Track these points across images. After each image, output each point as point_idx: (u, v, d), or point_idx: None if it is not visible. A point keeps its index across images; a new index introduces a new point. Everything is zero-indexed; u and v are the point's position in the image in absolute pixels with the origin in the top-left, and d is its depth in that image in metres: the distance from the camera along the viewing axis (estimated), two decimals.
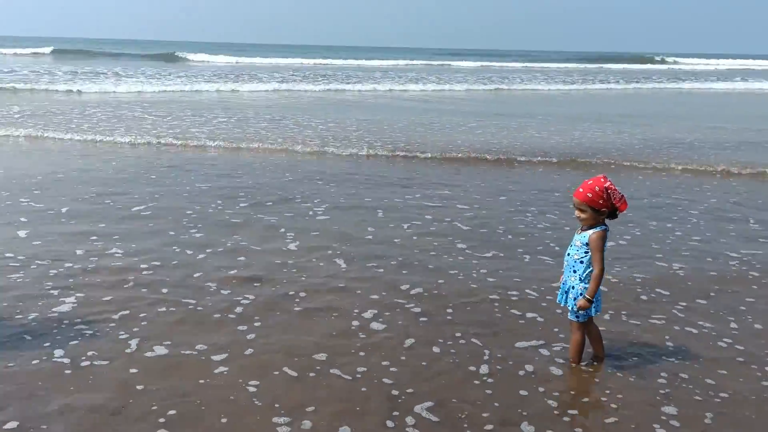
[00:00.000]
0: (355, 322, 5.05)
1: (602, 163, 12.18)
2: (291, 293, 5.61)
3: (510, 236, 7.52)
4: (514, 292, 5.73)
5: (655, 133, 16.57)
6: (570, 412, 3.95)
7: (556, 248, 7.05)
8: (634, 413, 3.95)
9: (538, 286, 5.86)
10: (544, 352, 4.67)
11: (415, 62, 59.49)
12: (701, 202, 9.39)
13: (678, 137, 15.83)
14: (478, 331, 4.97)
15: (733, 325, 5.23)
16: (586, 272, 4.20)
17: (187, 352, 4.51)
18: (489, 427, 3.74)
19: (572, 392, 4.19)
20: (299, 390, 4.06)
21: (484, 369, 4.38)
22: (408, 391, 4.08)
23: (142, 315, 5.07)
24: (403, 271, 6.23)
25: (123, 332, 4.77)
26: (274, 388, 4.06)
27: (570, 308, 4.30)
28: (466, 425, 3.76)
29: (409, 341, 4.76)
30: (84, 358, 4.37)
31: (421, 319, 5.17)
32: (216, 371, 4.25)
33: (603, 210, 4.10)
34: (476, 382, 4.22)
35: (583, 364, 4.46)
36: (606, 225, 4.19)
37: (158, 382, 4.11)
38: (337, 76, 37.08)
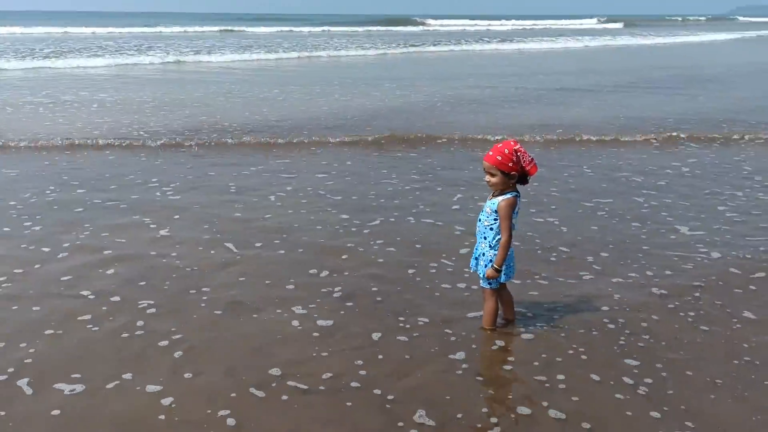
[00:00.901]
0: (295, 322, 4.31)
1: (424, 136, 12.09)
2: (192, 291, 4.72)
3: (383, 200, 7.14)
4: (433, 264, 5.35)
5: (454, 91, 16.92)
6: (559, 377, 3.71)
7: (428, 210, 6.82)
8: (605, 368, 3.83)
9: (449, 254, 5.54)
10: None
11: (204, 29, 52.73)
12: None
13: (474, 94, 16.41)
14: (425, 311, 4.52)
15: (648, 272, 5.26)
16: (496, 239, 3.99)
17: (111, 384, 3.53)
18: (494, 420, 3.34)
19: (544, 355, 3.94)
20: (279, 416, 3.32)
21: (460, 355, 3.94)
22: (391, 397, 3.51)
23: (22, 345, 3.91)
24: (299, 250, 5.58)
25: (10, 368, 3.64)
26: (252, 418, 3.29)
27: (481, 276, 4.10)
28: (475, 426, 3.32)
29: (375, 335, 4.16)
30: None
31: (347, 304, 4.59)
32: (164, 403, 3.36)
33: (513, 173, 3.88)
34: (459, 372, 3.78)
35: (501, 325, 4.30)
36: (517, 191, 3.98)
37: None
38: (121, 46, 32.04)
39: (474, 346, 4.05)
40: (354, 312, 4.48)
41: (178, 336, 4.06)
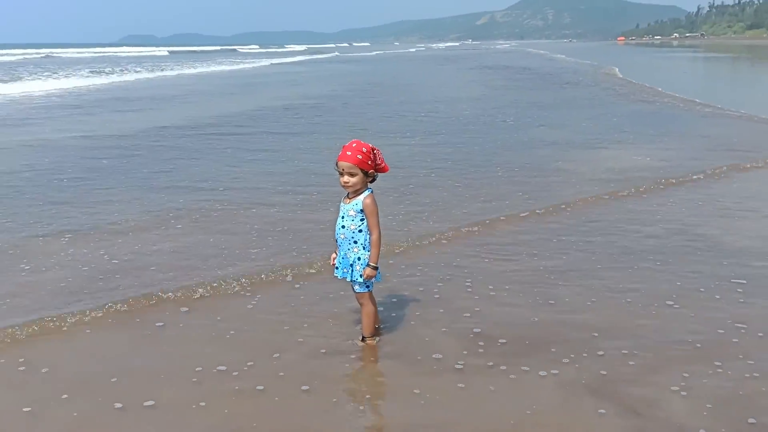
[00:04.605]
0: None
1: None
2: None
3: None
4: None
5: None
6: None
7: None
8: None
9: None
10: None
11: None
12: None
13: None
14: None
15: None
16: (369, 240, 3.70)
17: None
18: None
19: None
20: None
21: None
22: None
23: None
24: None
25: None
26: None
27: (357, 281, 3.74)
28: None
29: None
30: None
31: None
32: None
33: (371, 172, 3.63)
34: None
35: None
36: (371, 188, 3.73)
37: None
38: None
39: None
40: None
41: None
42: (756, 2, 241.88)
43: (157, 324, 4.22)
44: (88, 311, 4.40)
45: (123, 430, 3.12)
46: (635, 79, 25.30)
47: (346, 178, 3.57)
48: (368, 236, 3.66)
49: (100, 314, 4.37)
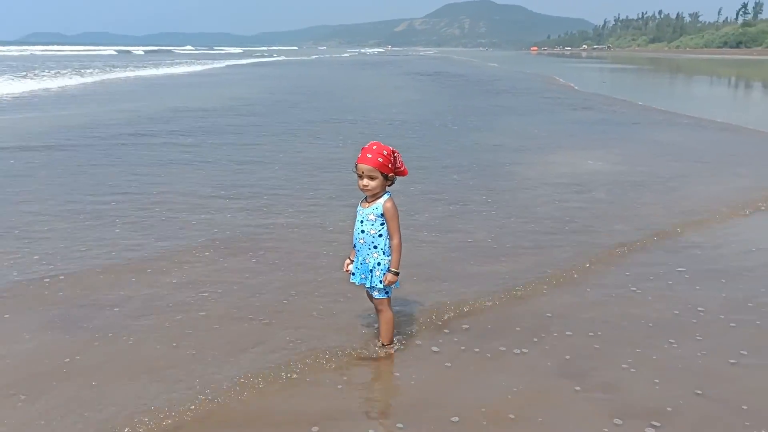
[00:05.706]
0: None
1: None
2: None
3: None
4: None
5: None
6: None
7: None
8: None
9: None
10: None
11: None
12: None
13: None
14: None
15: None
16: (389, 244, 3.54)
17: None
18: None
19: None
20: None
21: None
22: None
23: None
24: None
25: None
26: None
27: (376, 287, 3.56)
28: None
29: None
30: None
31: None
32: None
33: (391, 175, 3.47)
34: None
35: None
36: (389, 191, 3.56)
37: None
38: None
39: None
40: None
41: None
42: (657, 17, 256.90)
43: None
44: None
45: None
46: (578, 87, 25.95)
47: (365, 181, 3.40)
48: (388, 241, 3.50)
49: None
